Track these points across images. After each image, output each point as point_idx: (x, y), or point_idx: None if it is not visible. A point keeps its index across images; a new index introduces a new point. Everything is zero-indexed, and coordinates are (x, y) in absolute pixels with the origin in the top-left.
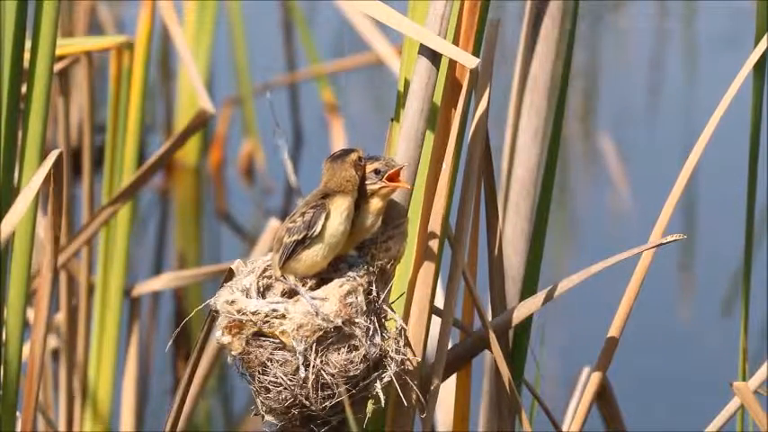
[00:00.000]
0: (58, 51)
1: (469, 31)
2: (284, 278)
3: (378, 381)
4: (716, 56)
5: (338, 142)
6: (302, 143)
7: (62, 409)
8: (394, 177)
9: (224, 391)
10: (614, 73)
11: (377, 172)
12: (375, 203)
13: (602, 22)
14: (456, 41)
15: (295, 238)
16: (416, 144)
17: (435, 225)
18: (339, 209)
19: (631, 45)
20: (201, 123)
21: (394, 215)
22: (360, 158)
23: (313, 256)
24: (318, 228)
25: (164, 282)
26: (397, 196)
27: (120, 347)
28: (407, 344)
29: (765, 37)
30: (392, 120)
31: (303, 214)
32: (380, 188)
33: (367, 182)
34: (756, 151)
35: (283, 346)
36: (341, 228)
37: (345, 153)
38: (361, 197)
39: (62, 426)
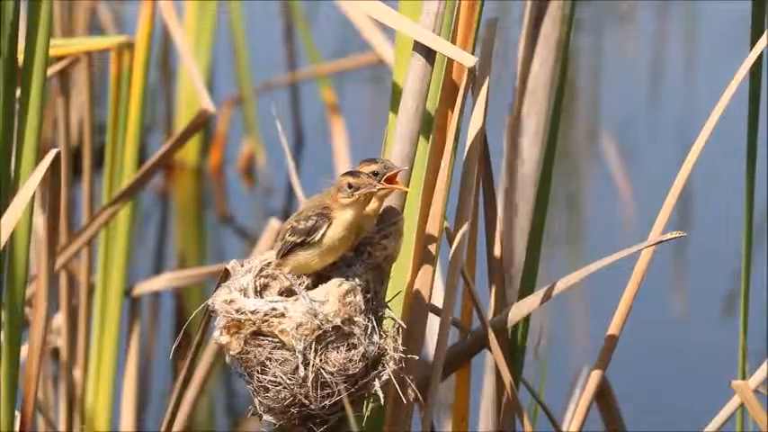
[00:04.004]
0: (59, 51)
1: (467, 30)
2: (281, 270)
3: (377, 379)
4: (716, 58)
5: (339, 142)
6: (302, 143)
7: (62, 409)
8: (392, 179)
9: (225, 390)
10: (616, 74)
11: (375, 174)
12: (370, 205)
13: (604, 25)
14: (454, 40)
15: (294, 239)
16: (411, 143)
17: (434, 224)
18: (342, 219)
19: (633, 47)
20: (202, 123)
21: (390, 213)
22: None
23: (308, 259)
24: (318, 236)
25: (164, 282)
26: (392, 199)
27: (120, 347)
28: (406, 342)
29: (763, 37)
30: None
31: (308, 219)
32: (378, 190)
33: (360, 190)
34: (754, 152)
35: (282, 345)
36: (341, 237)
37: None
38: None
39: (62, 426)
